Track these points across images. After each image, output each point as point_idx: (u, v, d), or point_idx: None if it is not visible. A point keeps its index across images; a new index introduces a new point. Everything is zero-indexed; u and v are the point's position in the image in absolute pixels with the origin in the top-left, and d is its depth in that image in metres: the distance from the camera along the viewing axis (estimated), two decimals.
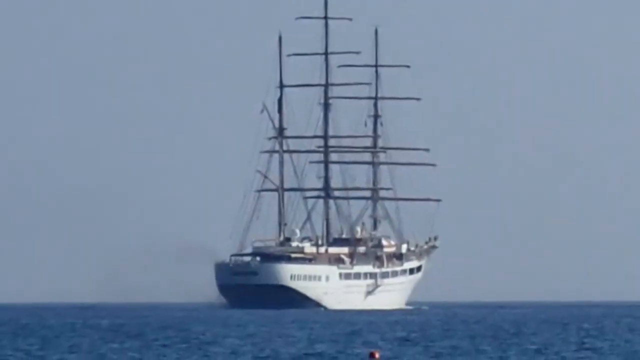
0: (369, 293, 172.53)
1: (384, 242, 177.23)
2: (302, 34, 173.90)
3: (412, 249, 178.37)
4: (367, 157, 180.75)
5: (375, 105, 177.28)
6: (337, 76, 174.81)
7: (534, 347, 42.55)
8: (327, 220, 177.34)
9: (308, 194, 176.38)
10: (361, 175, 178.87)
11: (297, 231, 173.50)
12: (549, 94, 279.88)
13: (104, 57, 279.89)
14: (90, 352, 36.77)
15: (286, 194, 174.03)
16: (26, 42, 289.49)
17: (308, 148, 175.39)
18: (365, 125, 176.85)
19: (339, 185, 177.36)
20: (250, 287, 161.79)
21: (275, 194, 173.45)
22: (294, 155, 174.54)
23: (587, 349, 40.83)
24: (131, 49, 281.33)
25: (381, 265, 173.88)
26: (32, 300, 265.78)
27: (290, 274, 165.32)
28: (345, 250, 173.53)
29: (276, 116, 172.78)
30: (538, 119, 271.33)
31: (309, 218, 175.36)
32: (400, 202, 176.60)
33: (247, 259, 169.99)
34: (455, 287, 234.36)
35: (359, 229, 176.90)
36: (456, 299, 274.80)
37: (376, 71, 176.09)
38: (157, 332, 66.09)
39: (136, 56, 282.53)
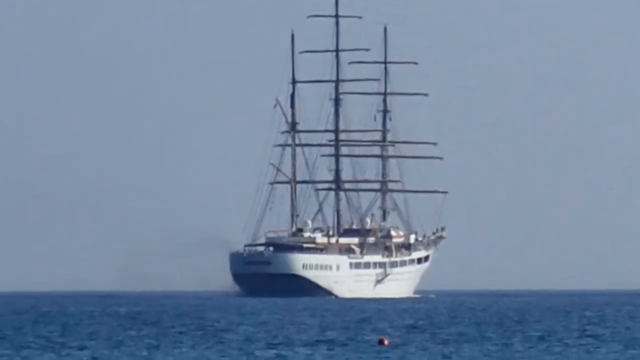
0: (378, 282, 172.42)
1: (393, 233, 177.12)
2: (313, 32, 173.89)
3: (420, 239, 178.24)
4: (376, 150, 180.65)
5: (385, 100, 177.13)
6: (347, 72, 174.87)
7: (537, 334, 42.46)
8: (338, 211, 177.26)
9: (319, 186, 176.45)
10: (371, 168, 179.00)
11: (309, 222, 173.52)
12: (551, 89, 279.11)
13: (124, 54, 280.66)
14: (109, 339, 36.85)
15: (298, 186, 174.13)
16: (48, 41, 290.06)
17: (319, 142, 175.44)
18: (375, 119, 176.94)
19: (349, 178, 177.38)
20: (264, 276, 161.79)
21: (288, 186, 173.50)
22: (306, 148, 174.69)
23: (589, 336, 40.73)
24: (150, 48, 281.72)
25: (390, 255, 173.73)
26: (52, 289, 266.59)
27: (302, 263, 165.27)
28: (355, 240, 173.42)
29: (289, 111, 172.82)
30: (541, 114, 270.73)
31: (320, 209, 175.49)
32: (408, 194, 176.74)
33: (261, 249, 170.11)
34: (462, 276, 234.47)
35: (368, 220, 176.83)
36: (462, 288, 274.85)
37: (385, 68, 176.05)
38: (174, 320, 66.22)
39: (154, 54, 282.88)
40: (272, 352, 26.95)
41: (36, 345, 31.74)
